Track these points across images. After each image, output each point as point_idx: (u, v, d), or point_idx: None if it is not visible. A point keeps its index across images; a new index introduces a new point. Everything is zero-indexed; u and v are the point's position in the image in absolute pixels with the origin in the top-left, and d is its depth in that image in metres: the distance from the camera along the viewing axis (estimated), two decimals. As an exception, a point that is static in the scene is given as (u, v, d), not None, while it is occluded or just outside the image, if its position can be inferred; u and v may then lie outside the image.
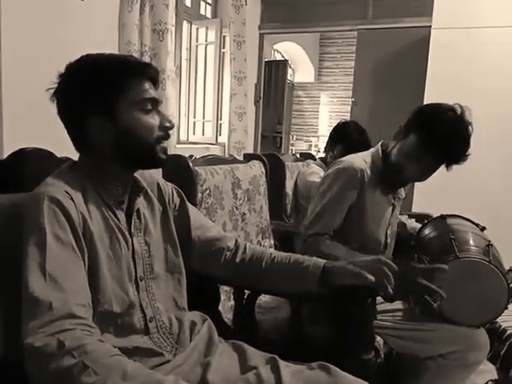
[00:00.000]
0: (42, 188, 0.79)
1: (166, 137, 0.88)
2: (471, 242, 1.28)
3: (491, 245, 1.26)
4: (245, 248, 1.06)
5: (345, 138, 2.07)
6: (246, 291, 1.22)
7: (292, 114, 7.64)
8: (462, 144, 1.24)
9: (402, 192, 1.54)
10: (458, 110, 1.26)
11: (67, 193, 0.78)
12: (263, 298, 1.44)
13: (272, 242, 1.79)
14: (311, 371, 0.87)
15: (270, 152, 2.24)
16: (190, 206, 1.06)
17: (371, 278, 0.89)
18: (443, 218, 1.49)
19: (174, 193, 1.03)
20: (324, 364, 0.89)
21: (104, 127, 0.82)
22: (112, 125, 0.82)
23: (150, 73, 0.86)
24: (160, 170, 1.24)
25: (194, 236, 1.03)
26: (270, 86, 5.72)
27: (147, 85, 0.85)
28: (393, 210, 1.48)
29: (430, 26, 3.18)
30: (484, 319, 1.22)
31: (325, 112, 7.79)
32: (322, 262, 0.99)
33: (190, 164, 1.33)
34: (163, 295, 0.92)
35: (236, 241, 1.08)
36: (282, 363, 0.89)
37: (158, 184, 1.00)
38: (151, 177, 1.00)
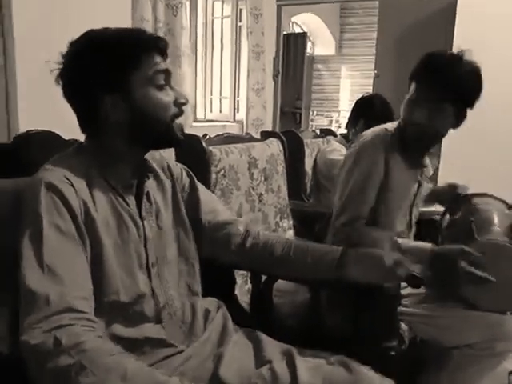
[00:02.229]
0: (40, 174, 0.75)
1: (181, 113, 0.84)
2: (495, 223, 1.21)
3: None
4: (258, 234, 1.00)
5: (368, 112, 1.99)
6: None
7: (312, 88, 7.47)
8: (458, 70, 1.19)
9: (430, 169, 1.45)
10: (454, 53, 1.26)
11: (66, 178, 0.74)
12: (281, 281, 1.39)
13: (291, 222, 1.74)
14: (329, 367, 0.82)
15: (288, 129, 2.16)
16: (200, 188, 1.01)
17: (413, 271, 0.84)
18: (468, 197, 1.40)
19: (184, 174, 0.99)
20: (343, 359, 0.83)
21: (117, 105, 0.77)
22: (126, 102, 0.78)
23: (159, 45, 0.81)
24: (172, 150, 1.20)
25: (204, 220, 0.98)
26: (288, 60, 5.57)
27: (158, 58, 0.80)
28: (418, 188, 1.40)
29: (457, -7, 3.01)
30: (509, 305, 1.15)
31: (346, 86, 7.57)
32: (338, 249, 0.92)
33: (204, 144, 1.28)
34: (176, 281, 0.89)
35: (247, 226, 1.02)
36: (298, 357, 0.84)
37: (168, 165, 0.96)
38: (161, 157, 0.95)
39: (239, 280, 1.36)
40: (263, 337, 0.93)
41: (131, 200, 0.84)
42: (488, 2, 2.91)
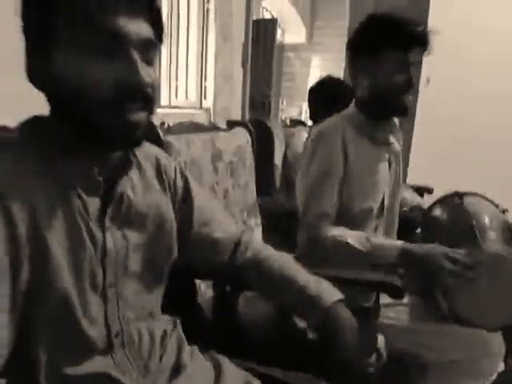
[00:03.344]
0: None
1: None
2: (493, 230, 1.11)
3: None
4: (246, 249, 0.89)
5: (321, 99, 1.91)
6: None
7: (282, 77, 7.34)
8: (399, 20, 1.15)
9: (396, 145, 1.33)
10: None
11: (14, 182, 0.56)
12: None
13: (259, 220, 1.61)
14: None
15: (257, 118, 2.02)
16: (194, 193, 0.85)
17: None
18: (460, 196, 1.29)
19: (178, 173, 0.82)
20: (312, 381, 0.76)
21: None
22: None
23: None
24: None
25: (193, 233, 0.84)
26: (258, 47, 5.41)
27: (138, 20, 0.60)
28: (389, 168, 1.31)
29: (432, -21, 2.95)
30: (501, 322, 1.05)
31: (316, 75, 7.50)
32: (326, 300, 0.80)
33: (161, 133, 1.12)
34: (138, 300, 0.72)
35: (240, 239, 0.91)
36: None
37: (158, 159, 0.78)
38: (149, 147, 0.78)
39: (202, 286, 1.23)
40: (224, 361, 0.81)
41: (94, 203, 0.65)
42: None
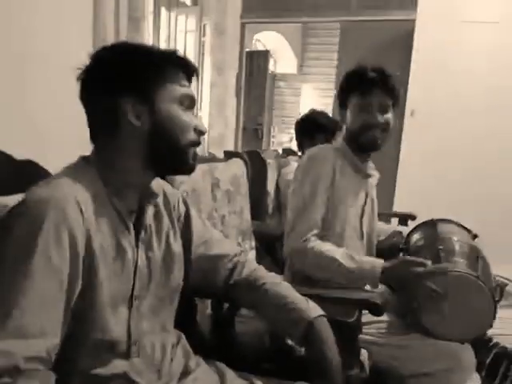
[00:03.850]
0: (45, 191, 0.67)
1: (198, 142, 0.81)
2: (460, 254, 1.23)
3: (480, 257, 1.21)
4: (242, 269, 0.99)
5: (310, 129, 2.07)
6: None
7: (274, 105, 7.54)
8: (360, 70, 1.37)
9: (375, 178, 1.50)
10: None
11: (78, 203, 0.68)
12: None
13: (253, 243, 1.72)
14: None
15: (251, 149, 2.16)
16: (194, 218, 0.97)
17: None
18: (434, 223, 1.41)
19: (180, 202, 0.94)
20: None
21: (141, 112, 0.75)
22: (149, 112, 0.75)
23: (189, 69, 0.80)
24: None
25: (194, 253, 0.95)
26: (251, 77, 5.61)
27: (185, 81, 0.79)
28: (366, 198, 1.44)
29: (415, 20, 3.14)
30: (469, 335, 1.17)
31: (307, 104, 7.71)
32: (310, 315, 0.88)
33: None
34: (152, 315, 0.83)
35: (237, 259, 1.00)
36: None
37: (165, 192, 0.91)
38: (157, 183, 0.90)
39: (200, 304, 1.32)
40: (226, 370, 0.90)
41: (131, 226, 0.79)
42: (443, 29, 3.05)
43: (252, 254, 1.71)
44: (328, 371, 0.84)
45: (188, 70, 0.80)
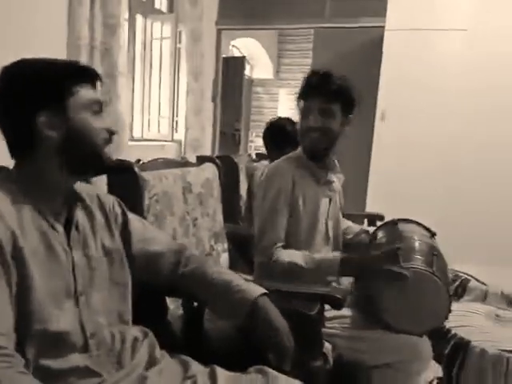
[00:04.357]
0: None
1: (110, 141, 0.88)
2: (417, 251, 1.30)
3: (436, 254, 1.29)
4: (187, 261, 1.04)
5: (272, 139, 2.17)
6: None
7: (251, 110, 7.62)
8: (311, 76, 1.42)
9: (337, 183, 1.57)
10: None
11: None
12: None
13: (226, 245, 1.77)
14: (248, 375, 0.89)
15: (225, 154, 2.21)
16: (131, 218, 1.03)
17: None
18: (395, 223, 1.50)
19: (115, 205, 1.00)
20: (261, 368, 0.90)
21: (53, 123, 0.80)
22: (61, 121, 0.81)
23: (95, 77, 0.87)
24: (104, 177, 1.20)
25: (134, 250, 1.00)
26: (227, 83, 5.65)
27: (92, 88, 0.86)
28: (330, 203, 1.51)
29: (384, 27, 3.24)
30: (425, 328, 1.25)
31: (284, 108, 7.79)
32: (253, 294, 0.96)
33: (136, 170, 1.28)
34: (107, 309, 0.89)
35: (180, 253, 1.06)
36: (220, 370, 0.90)
37: (98, 196, 0.97)
38: (91, 188, 0.97)
39: (172, 305, 1.36)
40: (190, 360, 0.96)
41: (60, 228, 0.85)
42: (411, 37, 3.16)
43: (225, 256, 1.75)
44: (279, 341, 0.90)
45: (91, 77, 0.87)
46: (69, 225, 0.86)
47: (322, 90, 1.38)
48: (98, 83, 0.89)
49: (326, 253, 1.41)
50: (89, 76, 0.87)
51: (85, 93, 0.84)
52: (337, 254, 1.29)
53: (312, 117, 1.38)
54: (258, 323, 0.93)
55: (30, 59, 0.84)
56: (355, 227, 1.78)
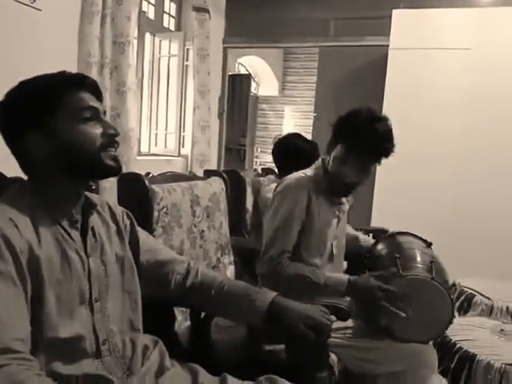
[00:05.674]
0: None
1: (112, 144, 0.88)
2: (417, 260, 1.34)
3: (434, 262, 1.31)
4: (196, 273, 1.06)
5: (283, 154, 2.15)
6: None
7: (256, 126, 7.70)
8: (380, 140, 1.32)
9: (346, 205, 1.60)
10: (369, 111, 1.36)
11: (10, 219, 0.76)
12: (220, 317, 1.43)
13: (232, 258, 1.79)
14: None
15: (231, 169, 2.25)
16: (139, 229, 1.05)
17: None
18: (393, 235, 1.55)
19: (124, 215, 1.03)
20: (271, 377, 0.92)
21: (40, 142, 0.82)
22: (49, 139, 0.82)
23: (87, 84, 0.88)
24: (115, 188, 1.23)
25: (142, 260, 1.02)
26: (233, 100, 5.75)
27: (84, 95, 0.86)
28: (338, 223, 1.53)
29: (388, 46, 3.30)
30: (430, 336, 1.26)
31: (289, 125, 7.87)
32: (270, 295, 0.98)
33: (146, 182, 1.32)
34: (119, 316, 0.91)
35: (188, 264, 1.08)
36: (231, 379, 0.91)
37: (108, 204, 1.00)
38: (100, 198, 0.99)
39: (179, 317, 1.37)
40: (199, 368, 0.97)
41: (76, 235, 0.87)
42: (414, 55, 3.20)
43: (231, 269, 1.77)
44: (313, 318, 0.93)
45: (86, 85, 0.87)
46: (85, 231, 0.88)
47: (379, 152, 1.34)
48: (102, 92, 0.91)
49: (330, 271, 1.43)
50: (76, 82, 0.86)
51: (76, 101, 0.84)
52: (344, 276, 1.32)
53: (353, 173, 1.37)
54: (276, 316, 0.94)
55: (26, 80, 0.86)
56: (363, 238, 1.80)
